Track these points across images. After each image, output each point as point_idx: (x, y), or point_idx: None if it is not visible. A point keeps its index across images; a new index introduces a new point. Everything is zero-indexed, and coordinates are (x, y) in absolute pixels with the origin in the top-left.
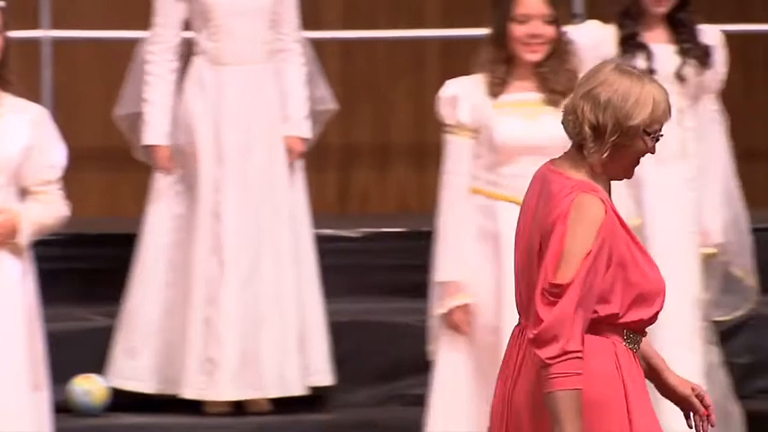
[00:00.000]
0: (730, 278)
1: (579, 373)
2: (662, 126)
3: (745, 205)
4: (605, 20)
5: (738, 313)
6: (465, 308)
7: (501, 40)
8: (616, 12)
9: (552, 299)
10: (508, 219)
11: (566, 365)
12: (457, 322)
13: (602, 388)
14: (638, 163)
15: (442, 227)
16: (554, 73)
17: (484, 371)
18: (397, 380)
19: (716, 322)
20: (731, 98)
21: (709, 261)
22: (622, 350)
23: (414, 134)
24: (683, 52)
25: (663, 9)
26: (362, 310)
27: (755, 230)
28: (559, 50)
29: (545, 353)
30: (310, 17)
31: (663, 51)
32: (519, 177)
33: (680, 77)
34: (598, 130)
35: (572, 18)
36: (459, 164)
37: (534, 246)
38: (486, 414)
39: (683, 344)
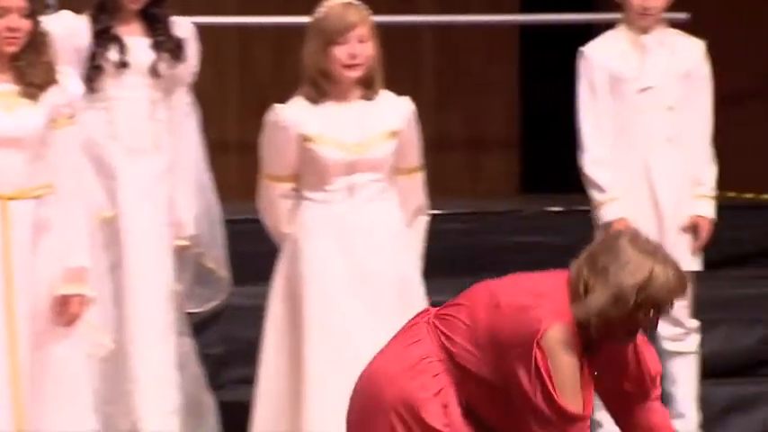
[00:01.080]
0: (203, 270)
1: None
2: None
3: (217, 197)
4: (78, 10)
5: (211, 305)
6: None
7: None
8: (92, 5)
9: None
10: None
11: None
12: None
13: None
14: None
15: None
16: (31, 66)
17: None
18: None
19: (189, 314)
20: (203, 90)
21: (181, 253)
22: None
23: None
24: (157, 46)
25: (136, 6)
26: None
27: (227, 222)
28: (35, 43)
29: None
30: None
31: (137, 44)
32: None
33: (153, 71)
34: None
35: (45, 8)
36: None
37: None
38: None
39: (155, 336)
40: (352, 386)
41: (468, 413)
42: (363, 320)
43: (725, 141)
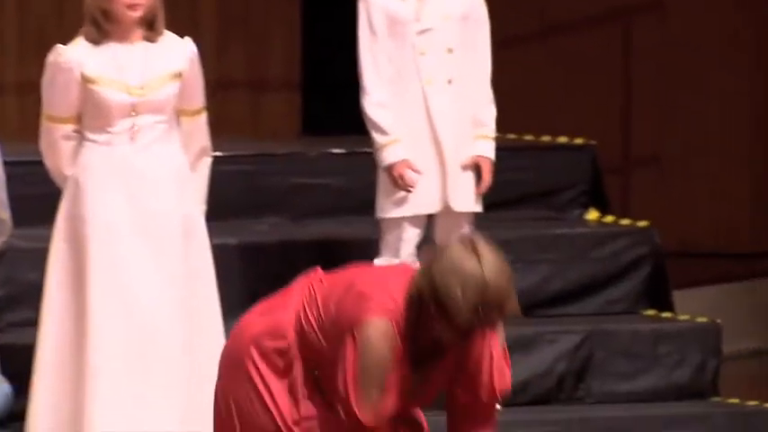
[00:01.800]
0: None
1: None
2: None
3: None
4: None
5: (2, 246)
6: None
7: None
8: None
9: None
10: None
11: None
12: None
13: None
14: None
15: None
16: None
17: None
18: None
19: None
20: None
21: None
22: None
23: None
24: None
25: None
26: None
27: (6, 164)
28: None
29: None
30: None
31: None
32: None
33: None
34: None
35: None
36: None
37: None
38: None
39: None
40: (133, 327)
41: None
42: (146, 262)
43: (503, 83)
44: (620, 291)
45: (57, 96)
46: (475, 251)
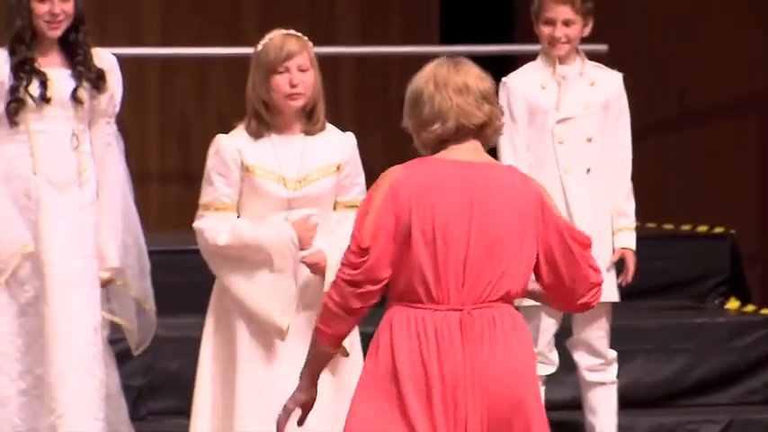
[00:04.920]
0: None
1: None
2: None
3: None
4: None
5: (150, 337)
6: None
7: None
8: (9, 36)
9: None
10: None
11: None
12: None
13: None
14: None
15: None
16: None
17: None
18: None
19: (112, 344)
20: (124, 121)
21: (107, 285)
22: None
23: None
24: (78, 76)
25: (57, 32)
26: None
27: (149, 253)
28: None
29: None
30: None
31: (58, 76)
32: None
33: (75, 100)
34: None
35: None
36: None
37: (508, 235)
38: None
39: (81, 370)
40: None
41: None
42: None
43: (641, 172)
44: (760, 380)
45: (217, 185)
46: None
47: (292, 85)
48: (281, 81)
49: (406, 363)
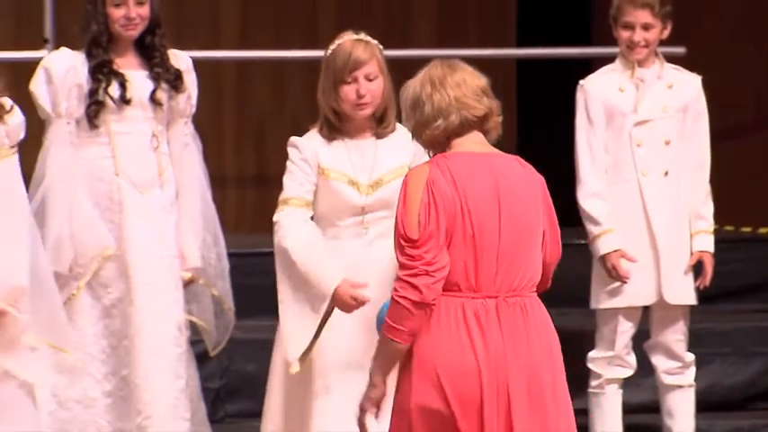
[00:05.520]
0: (216, 302)
1: None
2: None
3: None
4: (75, 46)
5: (227, 337)
6: None
7: None
8: (86, 39)
9: None
10: None
11: None
12: None
13: None
14: None
15: None
16: None
17: None
18: None
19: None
20: (201, 124)
21: (189, 285)
22: None
23: None
24: (155, 77)
25: (134, 33)
26: None
27: (229, 255)
28: None
29: None
30: None
31: (136, 77)
32: None
33: (154, 102)
34: None
35: (43, 43)
36: None
37: (531, 223)
38: None
39: (167, 371)
40: None
41: None
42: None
43: (721, 175)
44: None
45: (296, 181)
46: None
47: (359, 96)
48: (348, 91)
49: (450, 348)
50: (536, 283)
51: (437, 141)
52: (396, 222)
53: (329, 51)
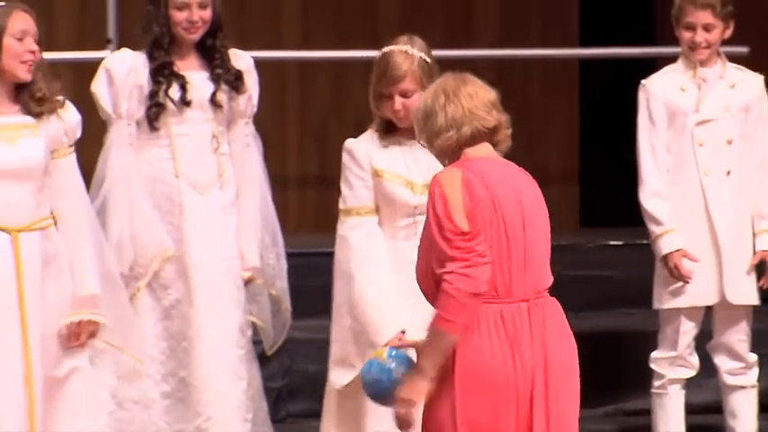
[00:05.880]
0: (274, 301)
1: None
2: None
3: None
4: (137, 47)
5: (284, 337)
6: None
7: None
8: (147, 41)
9: None
10: None
11: None
12: None
13: None
14: None
15: None
16: (32, 97)
17: None
18: None
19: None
20: (263, 125)
21: (248, 285)
22: None
23: None
24: (216, 78)
25: (195, 36)
26: None
27: (288, 255)
28: (39, 73)
29: None
30: None
31: (196, 79)
32: None
33: (214, 103)
34: None
35: (106, 43)
36: None
37: (544, 226)
38: None
39: (228, 371)
40: None
41: None
42: None
43: None
44: None
45: (357, 189)
46: None
47: (396, 111)
48: (387, 104)
49: (493, 358)
50: (551, 283)
51: (450, 150)
52: (436, 221)
53: (379, 55)
